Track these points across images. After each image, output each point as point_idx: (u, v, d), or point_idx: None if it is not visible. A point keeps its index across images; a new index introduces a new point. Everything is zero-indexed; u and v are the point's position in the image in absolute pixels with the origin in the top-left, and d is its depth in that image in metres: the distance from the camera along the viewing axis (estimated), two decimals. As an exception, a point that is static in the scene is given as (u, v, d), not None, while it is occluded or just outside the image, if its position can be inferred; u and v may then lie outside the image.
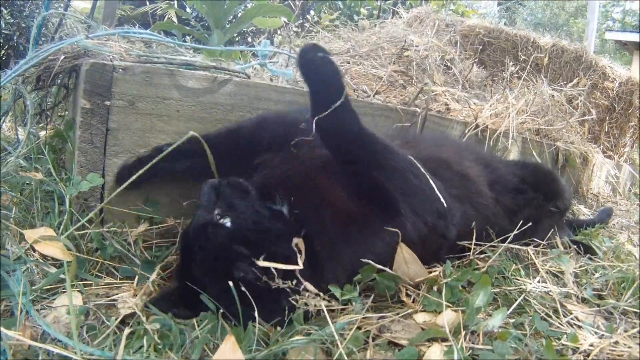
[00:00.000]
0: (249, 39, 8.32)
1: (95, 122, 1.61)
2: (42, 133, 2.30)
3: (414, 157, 1.57)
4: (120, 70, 1.62)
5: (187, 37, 5.42)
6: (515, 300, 1.49)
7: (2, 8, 7.02)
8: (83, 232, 1.55)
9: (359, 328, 1.24)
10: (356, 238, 1.42)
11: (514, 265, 1.75)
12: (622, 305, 1.51)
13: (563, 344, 1.27)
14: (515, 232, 1.85)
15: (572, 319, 1.43)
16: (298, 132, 1.64)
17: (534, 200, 2.21)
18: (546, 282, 1.64)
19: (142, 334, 1.15)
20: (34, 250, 1.46)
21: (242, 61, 3.04)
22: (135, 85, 1.65)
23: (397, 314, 1.36)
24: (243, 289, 1.16)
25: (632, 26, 22.44)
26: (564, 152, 3.48)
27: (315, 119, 1.40)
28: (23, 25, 7.32)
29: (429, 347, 1.18)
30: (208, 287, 1.25)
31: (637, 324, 1.42)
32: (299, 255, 1.24)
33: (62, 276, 1.34)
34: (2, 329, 1.04)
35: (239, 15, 5.10)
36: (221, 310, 1.19)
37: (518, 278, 1.67)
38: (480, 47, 4.82)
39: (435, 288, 1.48)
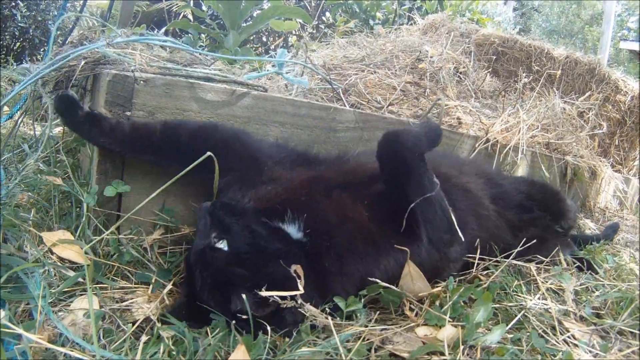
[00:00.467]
0: (264, 39, 8.33)
1: (115, 132, 1.65)
2: (58, 129, 2.35)
3: None
4: (142, 82, 1.67)
5: (203, 36, 5.46)
6: (515, 316, 1.52)
7: (19, 1, 7.08)
8: (100, 237, 1.60)
9: (362, 339, 1.27)
10: (371, 255, 1.47)
11: (516, 281, 1.78)
12: (618, 325, 1.53)
13: None
14: (519, 248, 1.87)
15: (569, 337, 1.46)
16: (258, 152, 1.73)
17: (541, 219, 2.22)
18: (546, 299, 1.66)
19: (157, 340, 1.20)
20: (52, 253, 1.51)
21: (257, 63, 3.08)
22: (156, 97, 1.70)
23: (400, 326, 1.40)
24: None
25: (647, 36, 22.25)
26: (572, 166, 3.48)
27: (384, 134, 1.59)
28: (39, 18, 7.36)
29: (428, 360, 1.21)
30: (214, 308, 1.29)
31: (632, 344, 1.44)
32: (298, 281, 1.26)
33: (80, 280, 1.39)
34: (24, 332, 1.09)
35: (254, 15, 5.12)
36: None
37: (519, 294, 1.70)
38: (495, 57, 4.82)
39: (437, 303, 1.52)
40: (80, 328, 1.22)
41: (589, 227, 3.37)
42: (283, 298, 1.22)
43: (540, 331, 1.46)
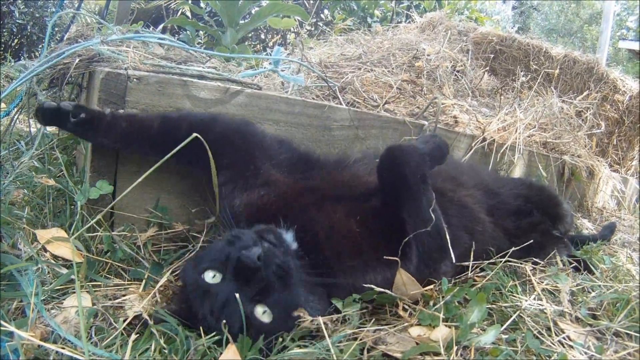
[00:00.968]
0: (262, 36, 8.33)
1: (109, 129, 1.65)
2: (53, 128, 2.35)
3: None
4: (135, 79, 1.66)
5: (201, 33, 5.45)
6: (510, 316, 1.51)
7: (17, -3, 7.09)
8: (94, 234, 1.60)
9: (355, 339, 1.27)
10: (360, 271, 1.45)
11: (512, 281, 1.77)
12: (614, 327, 1.52)
13: None
14: (516, 249, 1.87)
15: (564, 338, 1.45)
16: (258, 151, 1.69)
17: (540, 225, 2.22)
18: (542, 300, 1.66)
19: (149, 337, 1.19)
20: (46, 251, 1.50)
21: (254, 62, 3.08)
22: (149, 94, 1.70)
23: (394, 327, 1.39)
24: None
25: (646, 35, 22.26)
26: (570, 165, 3.49)
27: (388, 148, 1.56)
28: (37, 15, 7.36)
29: (421, 361, 1.20)
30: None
31: (628, 345, 1.43)
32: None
33: (72, 277, 1.38)
34: (15, 329, 1.08)
35: (252, 12, 5.12)
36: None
37: (514, 295, 1.69)
38: (492, 56, 4.83)
39: (431, 303, 1.51)
40: (73, 325, 1.21)
41: (587, 227, 3.37)
42: None
43: (535, 332, 1.45)
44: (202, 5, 6.18)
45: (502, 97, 3.69)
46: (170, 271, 1.56)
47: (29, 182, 1.87)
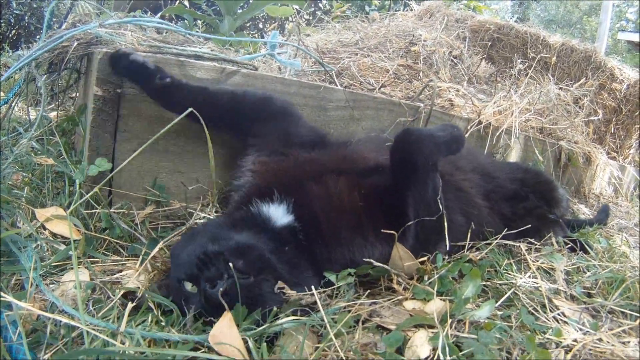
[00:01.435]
0: (260, 25, 8.31)
1: (106, 109, 1.67)
2: (53, 114, 2.36)
3: None
4: (133, 59, 1.67)
5: (199, 22, 5.44)
6: (505, 293, 1.52)
7: (14, -13, 7.07)
8: (92, 211, 1.62)
9: (350, 312, 1.28)
10: (357, 245, 1.47)
11: (507, 260, 1.79)
12: (609, 305, 1.53)
13: (548, 338, 1.30)
14: (511, 232, 1.88)
15: (558, 314, 1.46)
16: (293, 128, 1.77)
17: (536, 209, 2.23)
18: (536, 278, 1.67)
19: (146, 310, 1.21)
20: (45, 229, 1.53)
21: (252, 49, 3.09)
22: (147, 74, 1.71)
23: (388, 300, 1.41)
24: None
25: (646, 27, 22.23)
26: (566, 151, 3.50)
27: (405, 130, 1.58)
28: (34, 5, 7.34)
29: (415, 332, 1.22)
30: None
31: (623, 323, 1.44)
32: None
33: (70, 253, 1.40)
34: (14, 299, 1.10)
35: (250, 1, 5.11)
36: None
37: (509, 272, 1.70)
38: (490, 43, 4.83)
39: (426, 277, 1.53)
40: (70, 298, 1.23)
41: (584, 212, 3.39)
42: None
43: (530, 309, 1.47)
44: (200, -7, 6.17)
45: (498, 82, 3.70)
46: (163, 244, 1.56)
47: (29, 164, 1.88)
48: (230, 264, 1.17)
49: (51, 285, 1.29)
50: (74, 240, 1.47)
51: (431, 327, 1.27)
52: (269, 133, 1.74)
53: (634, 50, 17.28)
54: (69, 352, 1.02)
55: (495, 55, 4.87)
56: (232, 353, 1.00)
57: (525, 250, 1.88)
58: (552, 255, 1.89)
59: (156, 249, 1.47)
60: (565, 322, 1.43)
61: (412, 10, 5.19)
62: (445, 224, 1.56)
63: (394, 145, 1.58)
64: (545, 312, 1.46)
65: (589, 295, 1.65)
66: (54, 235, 1.53)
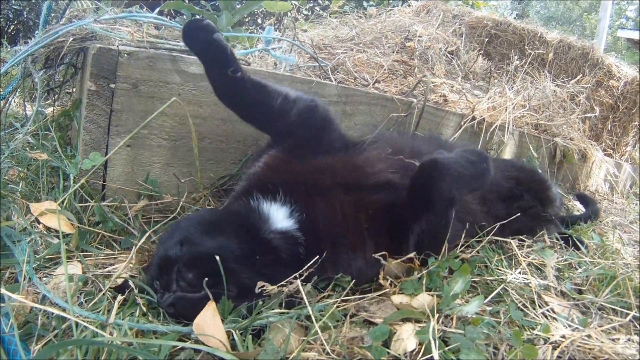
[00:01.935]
0: (259, 21, 8.32)
1: (100, 104, 1.68)
2: (50, 109, 2.37)
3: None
4: (125, 55, 1.69)
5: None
6: (495, 289, 1.52)
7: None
8: (86, 204, 1.63)
9: (335, 305, 1.29)
10: (357, 266, 1.46)
11: (497, 256, 1.79)
12: (599, 301, 1.54)
13: (536, 334, 1.30)
14: (504, 223, 1.86)
15: (547, 310, 1.46)
16: (326, 136, 1.74)
17: (530, 209, 2.23)
18: (527, 274, 1.67)
19: (132, 303, 1.23)
20: (39, 223, 1.54)
21: (249, 44, 3.10)
22: (139, 69, 1.72)
23: (376, 294, 1.42)
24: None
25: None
26: (562, 148, 3.50)
27: (432, 160, 1.53)
28: (33, 0, 7.34)
29: (402, 326, 1.23)
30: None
31: (613, 320, 1.45)
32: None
33: (64, 246, 1.41)
34: (6, 291, 1.12)
35: (249, -3, 5.10)
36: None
37: (500, 268, 1.71)
38: (487, 40, 4.82)
39: (415, 273, 1.52)
40: (62, 291, 1.24)
41: (578, 208, 3.40)
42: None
43: (519, 304, 1.47)
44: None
45: (493, 78, 3.70)
46: (152, 233, 1.59)
47: (24, 158, 1.90)
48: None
49: (44, 279, 1.30)
50: (67, 234, 1.49)
51: (418, 321, 1.28)
52: (302, 137, 1.69)
53: (633, 48, 17.26)
54: (58, 342, 1.03)
55: (493, 52, 4.87)
56: (216, 344, 1.02)
57: (517, 246, 1.88)
58: (543, 252, 1.89)
59: (144, 238, 1.48)
60: (555, 319, 1.43)
61: (410, 6, 5.17)
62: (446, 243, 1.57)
63: (417, 173, 1.55)
64: (534, 308, 1.46)
65: (580, 292, 1.66)
66: (48, 229, 1.54)
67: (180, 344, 1.03)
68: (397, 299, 1.40)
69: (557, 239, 2.18)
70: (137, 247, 1.45)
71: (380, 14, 4.67)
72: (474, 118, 2.76)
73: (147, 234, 1.52)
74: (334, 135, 1.77)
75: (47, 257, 1.41)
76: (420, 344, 1.17)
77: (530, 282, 1.60)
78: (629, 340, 1.34)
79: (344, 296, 1.36)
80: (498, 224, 1.87)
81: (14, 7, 7.17)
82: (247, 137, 2.02)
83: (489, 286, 1.60)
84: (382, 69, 2.88)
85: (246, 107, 1.67)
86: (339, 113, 2.24)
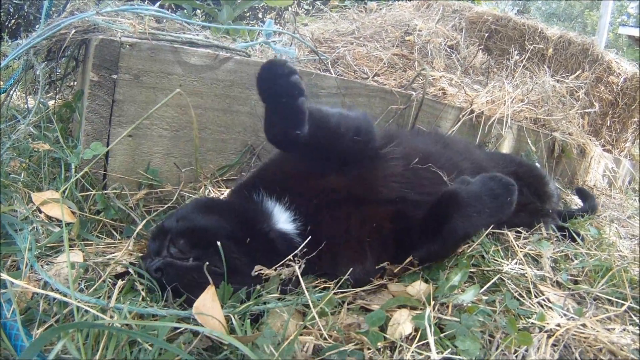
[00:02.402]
0: (260, 15, 8.31)
1: (102, 94, 1.70)
2: (52, 102, 2.39)
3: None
4: (127, 46, 1.71)
5: (198, 11, 5.45)
6: (491, 279, 1.54)
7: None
8: (87, 193, 1.66)
9: (335, 294, 1.30)
10: (354, 272, 1.41)
11: (494, 246, 1.79)
12: (594, 292, 1.55)
13: (532, 323, 1.31)
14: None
15: (543, 300, 1.47)
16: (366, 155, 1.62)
17: (529, 205, 2.23)
18: (523, 264, 1.68)
19: (131, 289, 1.26)
20: (40, 212, 1.56)
21: (249, 38, 3.11)
22: (141, 60, 1.74)
23: (374, 286, 1.45)
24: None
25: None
26: (560, 142, 3.51)
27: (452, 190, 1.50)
28: (34, -6, 7.35)
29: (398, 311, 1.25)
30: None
31: (608, 310, 1.46)
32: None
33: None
34: (9, 277, 1.14)
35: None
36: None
37: (496, 259, 1.71)
38: (487, 35, 4.83)
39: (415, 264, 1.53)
40: (63, 278, 1.26)
41: (576, 203, 3.40)
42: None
43: (515, 294, 1.48)
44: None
45: (492, 72, 3.71)
46: (151, 219, 1.63)
47: (26, 149, 1.91)
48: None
49: (46, 266, 1.32)
50: (68, 223, 1.51)
51: (414, 308, 1.30)
52: (338, 151, 1.57)
53: (634, 45, 17.22)
54: (59, 325, 1.05)
55: (493, 47, 4.88)
56: (214, 326, 1.04)
57: (513, 238, 1.89)
58: (540, 243, 1.90)
59: (142, 223, 1.52)
60: (550, 308, 1.44)
61: (410, 0, 5.18)
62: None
63: (435, 205, 1.52)
64: (530, 298, 1.47)
65: (575, 282, 1.67)
66: (50, 218, 1.56)
67: (179, 325, 1.05)
68: (394, 287, 1.43)
69: (553, 231, 2.18)
70: (136, 232, 1.48)
71: (380, 9, 4.68)
72: (472, 111, 2.77)
73: (145, 220, 1.55)
74: (368, 151, 1.64)
75: (48, 245, 1.43)
76: (416, 329, 1.18)
77: (526, 272, 1.61)
78: (624, 330, 1.35)
79: (342, 289, 1.37)
80: (499, 227, 1.87)
81: (14, 1, 7.16)
82: (247, 128, 2.04)
83: (485, 276, 1.60)
84: (382, 62, 2.90)
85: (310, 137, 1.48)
86: (339, 105, 2.25)
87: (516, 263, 1.70)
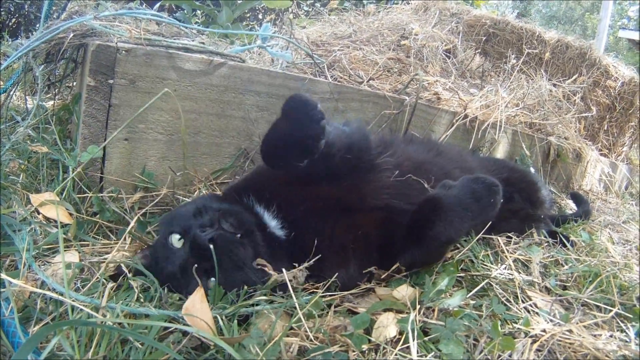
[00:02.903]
0: (260, 16, 8.32)
1: (98, 99, 1.73)
2: (50, 103, 2.42)
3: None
4: (123, 51, 1.74)
5: (197, 12, 5.47)
6: (480, 284, 1.55)
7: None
8: (84, 195, 1.69)
9: (322, 297, 1.33)
10: (339, 276, 1.44)
11: (484, 251, 1.81)
12: (582, 297, 1.56)
13: (518, 328, 1.32)
14: (494, 225, 1.85)
15: (530, 305, 1.49)
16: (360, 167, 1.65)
17: (521, 211, 2.26)
18: (512, 270, 1.69)
19: (126, 288, 1.29)
20: (39, 213, 1.59)
21: (247, 41, 3.14)
22: (136, 65, 1.77)
23: (361, 289, 1.47)
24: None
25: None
26: (555, 147, 3.52)
27: (441, 197, 1.51)
28: (34, -6, 7.36)
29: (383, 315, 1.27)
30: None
31: (596, 316, 1.47)
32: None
33: (63, 236, 1.46)
34: (7, 276, 1.17)
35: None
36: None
37: (486, 264, 1.73)
38: (485, 38, 4.85)
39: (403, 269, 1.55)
40: (60, 278, 1.29)
41: (571, 207, 3.41)
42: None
43: (503, 299, 1.50)
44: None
45: (489, 76, 3.73)
46: (143, 228, 1.67)
47: (25, 151, 1.94)
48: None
49: (43, 267, 1.36)
50: (66, 224, 1.54)
51: (399, 312, 1.32)
52: (330, 168, 1.57)
53: (634, 49, 17.23)
54: (54, 323, 1.08)
55: (491, 50, 4.90)
56: (203, 327, 1.07)
57: (503, 243, 1.90)
58: (530, 248, 1.92)
59: (133, 222, 1.56)
60: (537, 313, 1.45)
61: (408, 4, 5.19)
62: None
63: (416, 211, 1.53)
64: (517, 303, 1.49)
65: (564, 288, 1.68)
66: (47, 219, 1.59)
67: (168, 325, 1.08)
68: (381, 290, 1.45)
69: (544, 236, 2.19)
70: (129, 229, 1.52)
71: (378, 12, 4.70)
72: (466, 116, 2.78)
73: (136, 218, 1.59)
74: (362, 164, 1.66)
75: (46, 245, 1.46)
76: (401, 333, 1.21)
77: (514, 278, 1.62)
78: (610, 336, 1.35)
79: (330, 292, 1.40)
80: (487, 226, 1.88)
81: (15, 0, 7.17)
82: (240, 132, 2.07)
83: (474, 281, 1.62)
84: (377, 66, 2.92)
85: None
86: (332, 110, 2.29)
87: (505, 268, 1.71)
